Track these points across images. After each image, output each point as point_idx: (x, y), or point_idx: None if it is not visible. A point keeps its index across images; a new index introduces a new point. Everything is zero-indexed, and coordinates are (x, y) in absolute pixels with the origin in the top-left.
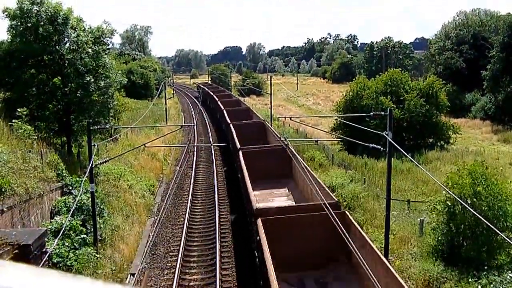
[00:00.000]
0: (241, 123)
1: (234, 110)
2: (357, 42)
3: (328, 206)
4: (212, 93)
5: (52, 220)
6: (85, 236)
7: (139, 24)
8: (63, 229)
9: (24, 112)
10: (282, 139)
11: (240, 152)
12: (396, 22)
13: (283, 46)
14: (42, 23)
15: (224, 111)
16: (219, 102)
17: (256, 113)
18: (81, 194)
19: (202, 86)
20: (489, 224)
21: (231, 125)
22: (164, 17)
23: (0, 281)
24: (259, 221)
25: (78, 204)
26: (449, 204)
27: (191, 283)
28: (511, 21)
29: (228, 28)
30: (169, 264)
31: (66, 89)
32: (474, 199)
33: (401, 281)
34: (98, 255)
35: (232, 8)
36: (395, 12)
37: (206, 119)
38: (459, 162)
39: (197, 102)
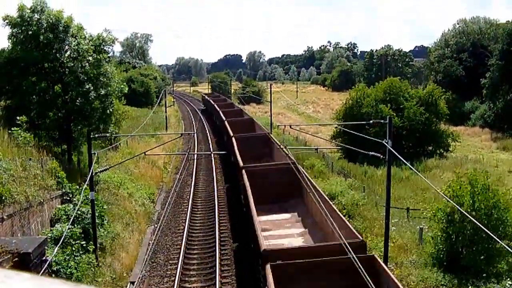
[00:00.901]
0: (260, 168)
1: (247, 137)
2: (357, 50)
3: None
4: (218, 108)
5: (52, 228)
6: (85, 244)
7: (139, 32)
8: (63, 237)
9: (24, 120)
10: (283, 147)
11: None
12: (395, 29)
13: (283, 54)
14: (42, 31)
15: (235, 146)
16: (228, 127)
17: (285, 151)
18: (81, 202)
19: (208, 98)
20: (488, 232)
21: (243, 171)
22: (164, 25)
23: None
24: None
25: (78, 212)
26: (448, 212)
27: None
28: (510, 29)
29: (228, 34)
30: (169, 272)
31: (66, 97)
32: (472, 210)
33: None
34: (98, 263)
35: (232, 11)
36: (395, 20)
37: (206, 128)
38: (460, 170)
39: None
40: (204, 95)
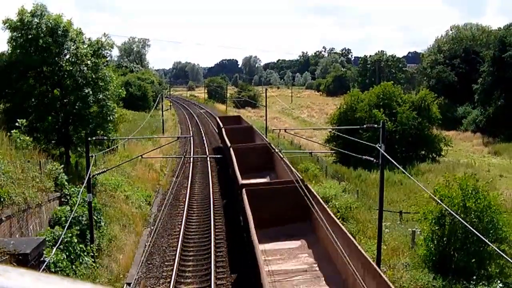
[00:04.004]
0: None
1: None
2: (351, 55)
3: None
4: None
5: (50, 230)
6: (82, 245)
7: (137, 36)
8: (60, 238)
9: (23, 123)
10: (277, 150)
11: None
12: (389, 35)
13: (279, 59)
14: (42, 35)
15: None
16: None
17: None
18: (78, 204)
19: (225, 133)
20: (480, 235)
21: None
22: (162, 30)
23: (4, 286)
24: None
25: (76, 214)
26: (439, 214)
27: None
28: (502, 36)
29: (225, 38)
30: (165, 274)
31: (65, 101)
32: (463, 212)
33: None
34: (95, 265)
35: (229, 16)
36: (389, 26)
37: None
38: (448, 175)
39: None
40: (220, 122)
